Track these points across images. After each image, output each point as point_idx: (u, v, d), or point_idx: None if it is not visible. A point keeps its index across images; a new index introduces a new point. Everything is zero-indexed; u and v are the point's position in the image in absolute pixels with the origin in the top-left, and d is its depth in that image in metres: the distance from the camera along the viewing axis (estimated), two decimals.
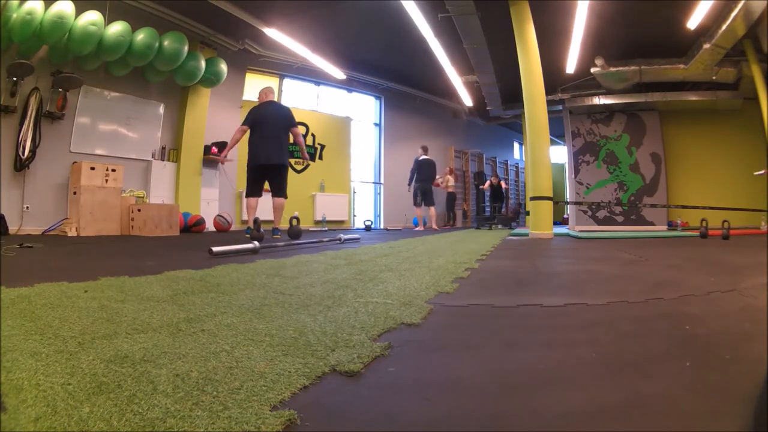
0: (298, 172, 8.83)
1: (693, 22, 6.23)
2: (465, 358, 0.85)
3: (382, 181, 10.92)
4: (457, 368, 0.79)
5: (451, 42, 7.18)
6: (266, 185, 4.91)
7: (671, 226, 8.44)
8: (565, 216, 12.79)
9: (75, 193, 5.32)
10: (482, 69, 8.37)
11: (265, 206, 5.12)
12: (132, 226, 5.57)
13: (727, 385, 0.70)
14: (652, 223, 8.42)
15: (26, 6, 4.82)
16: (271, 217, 4.91)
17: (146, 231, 5.43)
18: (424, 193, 8.72)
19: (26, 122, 5.29)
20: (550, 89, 7.42)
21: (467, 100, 10.51)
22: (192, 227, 6.39)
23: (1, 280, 1.53)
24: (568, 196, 9.43)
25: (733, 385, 0.70)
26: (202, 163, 7.22)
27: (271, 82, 8.78)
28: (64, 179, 5.69)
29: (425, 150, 8.91)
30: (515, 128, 14.44)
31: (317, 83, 9.58)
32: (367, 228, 8.37)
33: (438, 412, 0.60)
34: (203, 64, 6.61)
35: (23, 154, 5.29)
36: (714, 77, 7.33)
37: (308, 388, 0.66)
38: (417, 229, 8.89)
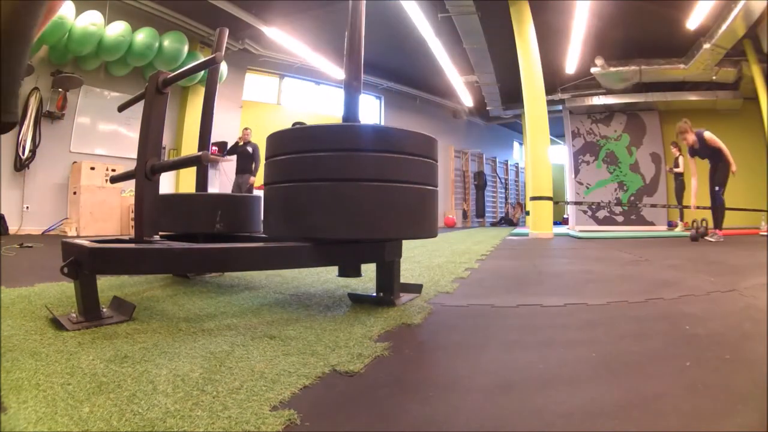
0: None
1: (693, 22, 6.22)
2: (465, 358, 0.85)
3: None
4: (457, 368, 0.79)
5: (451, 42, 7.17)
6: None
7: (671, 226, 8.43)
8: (565, 216, 12.75)
9: (75, 193, 5.32)
10: (482, 69, 8.37)
11: None
12: (132, 226, 5.57)
13: (727, 385, 0.70)
14: (652, 223, 8.42)
15: None
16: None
17: None
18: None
19: (26, 122, 5.29)
20: (550, 89, 7.41)
21: (467, 100, 10.50)
22: None
23: (1, 280, 1.53)
24: (568, 196, 9.42)
25: (733, 385, 0.70)
26: None
27: (271, 81, 8.77)
28: (64, 179, 5.69)
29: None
30: (515, 128, 14.42)
31: (317, 83, 9.57)
32: None
33: (438, 411, 0.60)
34: None
35: (23, 154, 5.28)
36: (714, 77, 7.32)
37: (308, 388, 0.66)
38: None
